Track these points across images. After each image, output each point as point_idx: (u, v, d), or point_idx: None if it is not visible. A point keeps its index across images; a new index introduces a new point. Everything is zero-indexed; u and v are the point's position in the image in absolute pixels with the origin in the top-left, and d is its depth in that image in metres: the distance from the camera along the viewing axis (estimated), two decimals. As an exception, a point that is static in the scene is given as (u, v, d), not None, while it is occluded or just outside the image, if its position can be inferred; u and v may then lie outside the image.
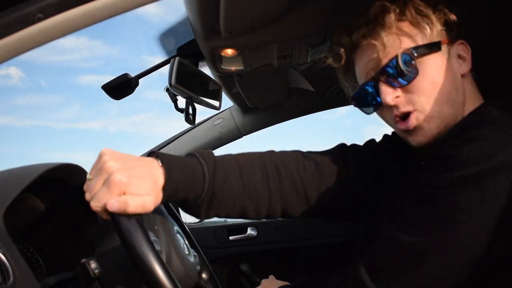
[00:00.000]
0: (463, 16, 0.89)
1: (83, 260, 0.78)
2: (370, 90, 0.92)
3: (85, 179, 0.77)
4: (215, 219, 2.30)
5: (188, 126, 1.90)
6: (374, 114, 0.98)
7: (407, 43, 0.87)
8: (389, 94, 0.88)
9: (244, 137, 1.96)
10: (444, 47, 0.87)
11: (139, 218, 0.74)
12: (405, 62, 0.85)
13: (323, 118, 2.04)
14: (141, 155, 0.84)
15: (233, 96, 1.71)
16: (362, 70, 0.94)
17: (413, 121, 0.87)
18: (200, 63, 1.35)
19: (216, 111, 1.91)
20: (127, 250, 0.71)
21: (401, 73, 0.85)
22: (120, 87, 1.25)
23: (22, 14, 0.65)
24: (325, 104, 1.91)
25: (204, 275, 1.20)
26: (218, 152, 1.96)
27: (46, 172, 0.96)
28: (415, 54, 0.85)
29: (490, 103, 0.88)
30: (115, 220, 0.72)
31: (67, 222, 1.13)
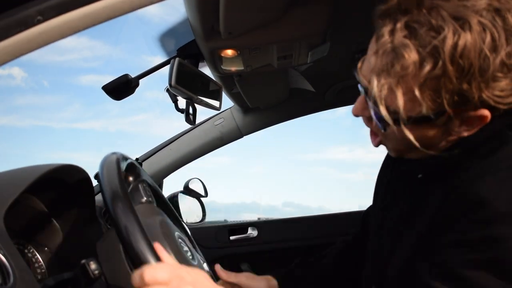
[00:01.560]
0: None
1: (83, 261, 0.78)
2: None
3: (85, 179, 0.77)
4: (215, 218, 2.32)
5: (188, 126, 1.90)
6: None
7: (397, 100, 0.67)
8: (358, 109, 0.79)
9: (244, 137, 1.96)
10: (443, 117, 0.68)
11: (138, 218, 0.74)
12: (384, 120, 0.69)
13: (323, 118, 2.04)
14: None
15: (234, 96, 1.72)
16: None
17: (377, 143, 0.82)
18: (200, 64, 1.35)
19: (217, 111, 1.91)
20: (125, 247, 0.72)
21: (378, 120, 0.74)
22: (121, 88, 1.25)
23: (21, 16, 0.65)
24: (325, 104, 1.91)
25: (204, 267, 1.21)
26: (218, 152, 1.98)
27: (47, 173, 0.97)
28: (400, 120, 0.68)
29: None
30: (112, 215, 0.72)
31: (68, 222, 1.14)
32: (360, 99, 0.79)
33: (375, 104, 0.69)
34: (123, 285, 0.81)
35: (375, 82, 0.67)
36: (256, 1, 1.01)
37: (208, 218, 2.13)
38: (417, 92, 0.64)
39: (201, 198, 2.13)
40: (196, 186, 2.09)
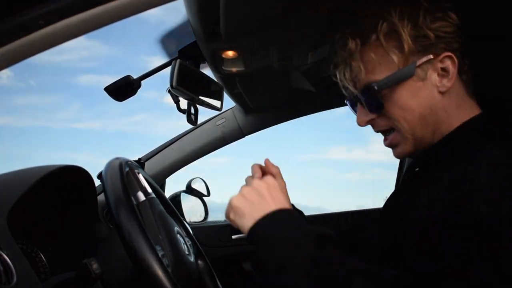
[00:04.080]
0: (457, 26, 0.83)
1: (84, 261, 0.79)
2: (351, 106, 0.96)
3: (88, 180, 0.79)
4: (218, 218, 2.33)
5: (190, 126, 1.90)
6: None
7: (371, 75, 0.83)
8: (361, 117, 0.90)
9: (246, 137, 1.97)
10: (418, 70, 0.81)
11: (141, 220, 0.75)
12: (370, 95, 0.84)
13: (323, 118, 2.05)
14: None
15: (235, 97, 1.72)
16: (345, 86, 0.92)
17: (391, 141, 0.89)
18: (201, 65, 1.36)
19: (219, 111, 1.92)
20: (128, 251, 0.73)
21: (369, 104, 0.86)
22: (123, 89, 1.26)
23: (23, 20, 0.66)
24: (326, 104, 1.92)
25: (200, 262, 1.22)
26: (220, 151, 1.99)
27: (49, 173, 0.98)
28: (377, 88, 0.82)
29: (484, 113, 0.85)
30: (116, 221, 0.74)
31: (70, 222, 1.15)
32: (358, 110, 0.90)
33: (363, 93, 0.84)
34: (124, 285, 0.82)
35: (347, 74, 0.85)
36: (257, 3, 1.02)
37: (208, 218, 2.15)
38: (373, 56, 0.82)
39: (203, 198, 2.15)
40: (198, 186, 2.10)
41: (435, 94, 0.83)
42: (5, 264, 0.73)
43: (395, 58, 0.81)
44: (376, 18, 0.82)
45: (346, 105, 1.90)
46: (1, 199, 0.87)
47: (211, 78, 1.34)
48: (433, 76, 0.82)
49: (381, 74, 0.82)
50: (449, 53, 0.81)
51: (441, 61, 0.82)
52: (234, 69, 1.36)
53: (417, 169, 0.90)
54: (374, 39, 0.82)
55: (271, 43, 1.22)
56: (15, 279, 0.72)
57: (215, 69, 1.35)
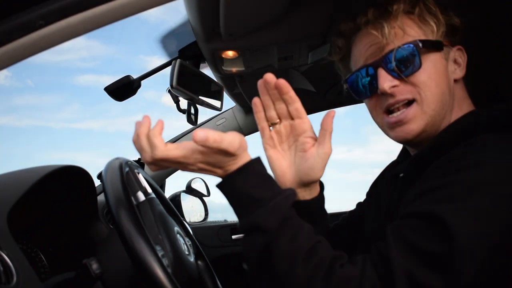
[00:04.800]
0: (465, 23, 0.89)
1: (84, 261, 0.79)
2: (368, 74, 0.90)
3: (87, 180, 0.79)
4: (217, 218, 2.33)
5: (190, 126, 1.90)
6: None
7: (412, 36, 0.86)
8: (387, 82, 0.86)
9: (246, 137, 1.96)
10: (445, 49, 0.88)
11: (141, 221, 0.75)
12: (410, 53, 0.85)
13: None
14: None
15: (235, 97, 1.72)
16: (362, 54, 0.92)
17: (406, 114, 0.86)
18: (201, 65, 1.36)
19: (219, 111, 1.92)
20: (128, 252, 0.73)
21: (405, 63, 0.85)
22: (123, 89, 1.26)
23: (24, 20, 0.66)
24: (326, 104, 1.91)
25: (200, 262, 1.22)
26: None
27: (49, 173, 0.98)
28: (421, 47, 0.84)
29: (479, 110, 0.87)
30: (116, 221, 0.74)
31: (70, 222, 1.15)
32: (380, 76, 0.88)
33: (398, 52, 0.85)
34: (124, 284, 0.82)
35: (386, 30, 0.85)
36: (257, 3, 1.01)
37: (208, 218, 2.15)
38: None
39: (203, 198, 2.15)
40: (198, 186, 2.10)
41: (451, 78, 0.89)
42: (5, 264, 0.73)
43: (434, 28, 0.87)
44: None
45: (346, 105, 1.89)
46: (1, 199, 0.87)
47: (211, 78, 1.34)
48: (451, 62, 0.90)
49: (420, 38, 0.86)
50: (461, 47, 0.90)
51: (455, 51, 0.90)
52: (234, 69, 1.36)
53: (401, 174, 0.90)
54: (418, 11, 0.88)
55: (271, 43, 1.22)
56: (15, 279, 0.72)
57: (215, 69, 1.35)
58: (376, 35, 0.87)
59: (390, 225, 0.70)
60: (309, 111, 2.00)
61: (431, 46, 0.86)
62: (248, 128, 1.94)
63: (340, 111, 1.95)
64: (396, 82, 0.86)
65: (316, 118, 2.00)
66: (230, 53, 1.24)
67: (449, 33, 0.89)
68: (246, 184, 0.72)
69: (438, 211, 0.65)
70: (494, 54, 1.08)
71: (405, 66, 0.85)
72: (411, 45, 0.85)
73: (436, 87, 0.85)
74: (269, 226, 0.69)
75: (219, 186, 0.75)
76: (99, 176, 1.17)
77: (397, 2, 0.87)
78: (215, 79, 1.40)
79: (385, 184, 0.99)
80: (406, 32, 0.86)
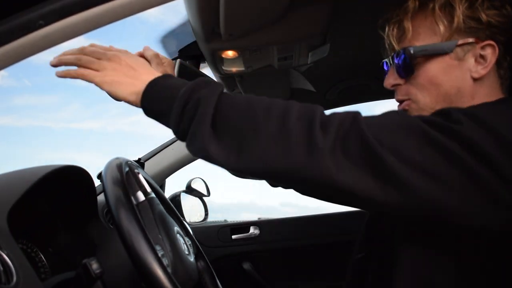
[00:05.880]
0: (510, 19, 0.82)
1: (84, 261, 0.79)
2: (385, 66, 0.95)
3: (87, 180, 0.79)
4: (217, 218, 2.33)
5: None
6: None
7: (414, 39, 0.86)
8: (390, 79, 0.90)
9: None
10: (457, 49, 0.83)
11: (141, 220, 0.75)
12: (404, 59, 0.86)
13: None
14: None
15: (235, 97, 1.72)
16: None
17: (404, 107, 0.89)
18: (201, 65, 1.36)
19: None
20: (128, 252, 0.73)
21: (399, 67, 0.87)
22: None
23: (23, 20, 0.66)
24: (326, 104, 1.91)
25: (199, 262, 1.22)
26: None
27: (49, 173, 0.98)
28: (413, 53, 0.84)
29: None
30: (116, 221, 0.74)
31: (70, 222, 1.15)
32: (389, 72, 0.91)
33: (399, 54, 0.86)
34: (124, 284, 0.82)
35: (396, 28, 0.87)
36: (257, 3, 1.01)
37: (208, 218, 2.15)
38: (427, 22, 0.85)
39: (203, 198, 2.15)
40: (198, 186, 2.10)
41: (467, 77, 0.84)
42: (5, 264, 0.73)
43: (442, 29, 0.83)
44: None
45: (346, 105, 1.89)
46: (1, 199, 0.87)
47: (211, 78, 1.33)
48: (470, 60, 0.84)
49: (422, 42, 0.85)
50: (492, 42, 0.82)
51: (482, 48, 0.83)
52: (234, 69, 1.35)
53: None
54: (431, 7, 0.84)
55: (271, 43, 1.21)
56: (15, 279, 0.71)
57: (215, 69, 1.35)
58: (390, 34, 0.89)
59: None
60: (309, 111, 2.00)
61: (430, 51, 0.84)
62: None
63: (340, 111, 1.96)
64: (399, 81, 0.89)
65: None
66: (230, 53, 1.24)
67: (475, 28, 0.82)
68: (175, 80, 0.78)
69: None
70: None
71: (401, 69, 0.88)
72: (404, 53, 0.86)
73: (438, 88, 0.85)
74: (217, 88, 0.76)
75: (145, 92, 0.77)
76: (99, 176, 1.17)
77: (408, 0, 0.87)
78: (215, 79, 1.40)
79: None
80: (410, 33, 0.86)
